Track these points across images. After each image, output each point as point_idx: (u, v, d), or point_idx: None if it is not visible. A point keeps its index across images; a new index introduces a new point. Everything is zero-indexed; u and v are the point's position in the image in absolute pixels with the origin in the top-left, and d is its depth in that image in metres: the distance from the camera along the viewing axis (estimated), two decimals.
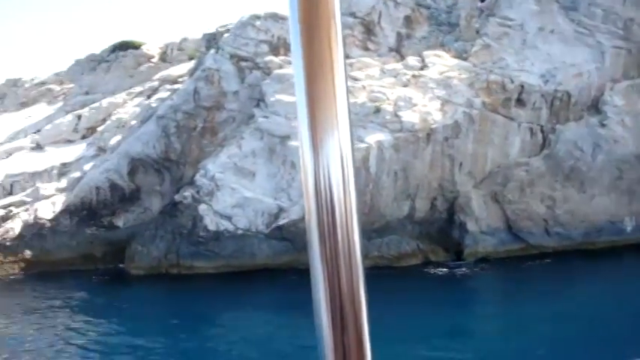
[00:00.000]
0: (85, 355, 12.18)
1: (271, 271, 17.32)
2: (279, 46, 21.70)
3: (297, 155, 19.68)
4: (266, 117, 19.43)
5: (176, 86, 22.45)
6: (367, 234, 17.21)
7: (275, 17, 21.91)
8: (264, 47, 21.69)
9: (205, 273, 17.90)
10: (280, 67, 20.97)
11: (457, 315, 13.52)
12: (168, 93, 22.32)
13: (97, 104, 24.62)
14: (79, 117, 24.52)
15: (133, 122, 22.26)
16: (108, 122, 23.41)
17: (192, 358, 11.91)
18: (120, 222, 20.50)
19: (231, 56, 21.26)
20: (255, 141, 19.29)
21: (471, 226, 18.52)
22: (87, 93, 26.41)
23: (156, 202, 20.64)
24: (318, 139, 0.60)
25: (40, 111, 27.86)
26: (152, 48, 28.00)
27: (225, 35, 22.12)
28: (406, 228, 18.66)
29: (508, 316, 13.49)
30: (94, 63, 28.08)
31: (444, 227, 18.96)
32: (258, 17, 22.02)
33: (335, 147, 0.60)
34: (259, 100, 20.16)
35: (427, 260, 18.13)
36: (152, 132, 20.56)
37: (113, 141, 21.80)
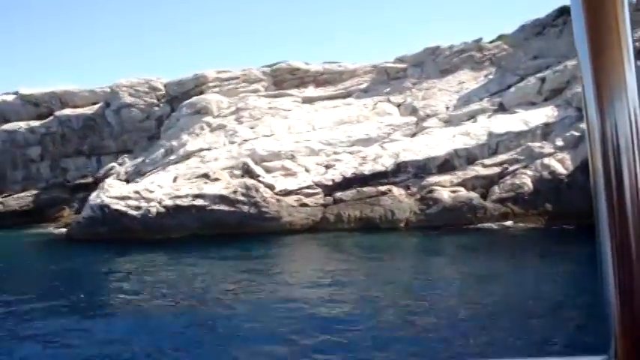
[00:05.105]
0: None
1: None
2: None
3: None
4: None
5: None
6: None
7: None
8: None
9: None
10: None
11: None
12: None
13: (560, 67, 27.76)
14: (543, 80, 27.84)
15: None
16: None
17: None
18: None
19: None
20: None
21: None
22: (535, 57, 29.84)
23: None
24: (605, 101, 0.70)
25: (464, 76, 32.08)
26: None
27: None
28: None
29: None
30: (539, 28, 31.56)
31: None
32: None
33: (623, 110, 0.69)
34: None
35: None
36: None
37: None
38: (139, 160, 35.99)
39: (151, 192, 27.68)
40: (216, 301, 14.29)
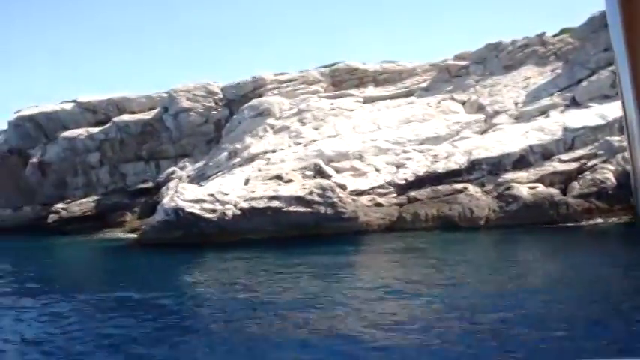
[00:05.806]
0: None
1: None
2: None
3: None
4: None
5: None
6: None
7: None
8: None
9: None
10: None
11: None
12: None
13: None
14: (616, 72, 27.91)
15: None
16: None
17: None
18: None
19: None
20: None
21: None
22: (605, 50, 29.89)
23: None
24: None
25: (529, 72, 32.29)
26: None
27: None
28: None
29: None
30: (605, 20, 31.58)
31: None
32: None
33: None
34: None
35: None
36: None
37: None
38: (201, 163, 36.83)
39: (226, 195, 28.34)
40: (347, 309, 13.19)
